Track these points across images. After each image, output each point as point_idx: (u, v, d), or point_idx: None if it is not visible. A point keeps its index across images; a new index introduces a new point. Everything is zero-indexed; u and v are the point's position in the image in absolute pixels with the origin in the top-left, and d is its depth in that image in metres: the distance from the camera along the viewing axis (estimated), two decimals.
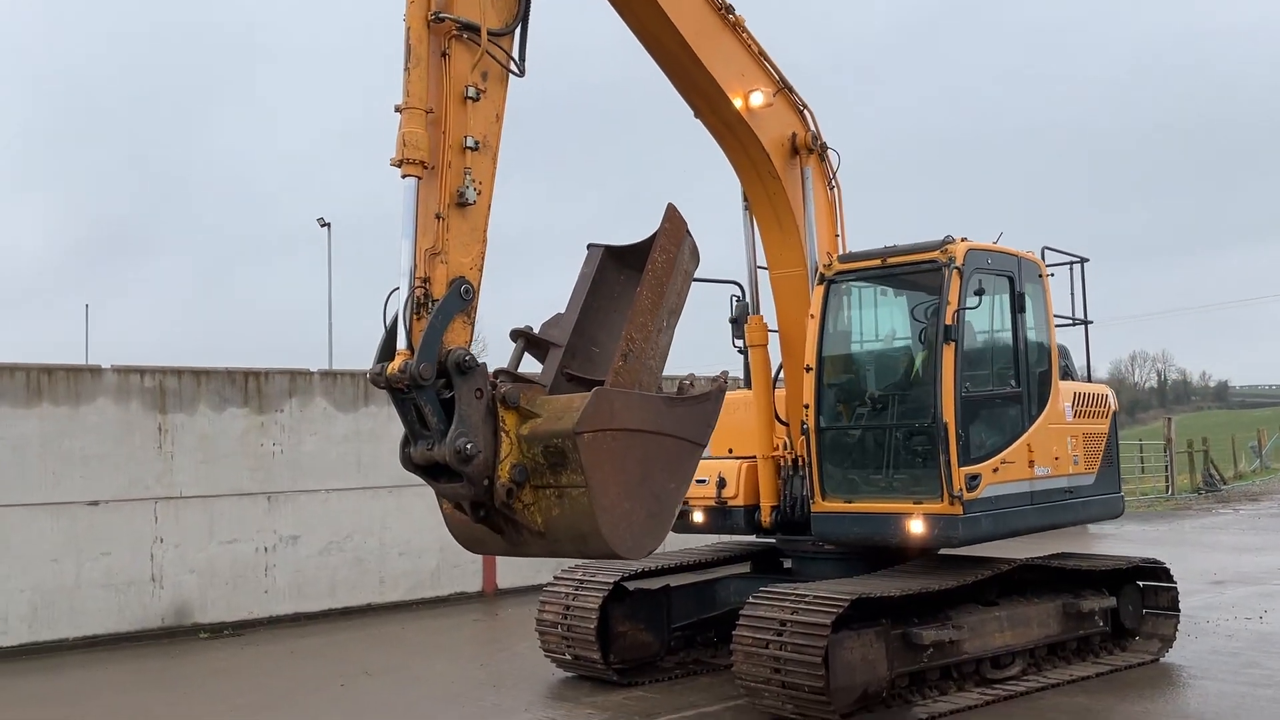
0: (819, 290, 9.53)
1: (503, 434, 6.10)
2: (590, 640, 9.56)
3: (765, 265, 10.26)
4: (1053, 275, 10.04)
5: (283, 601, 14.23)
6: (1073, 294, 10.66)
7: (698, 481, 10.29)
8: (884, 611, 8.33)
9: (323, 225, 45.81)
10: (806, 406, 9.30)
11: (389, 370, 5.95)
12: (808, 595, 8.12)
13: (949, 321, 8.54)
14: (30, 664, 11.84)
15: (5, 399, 12.49)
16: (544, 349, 6.95)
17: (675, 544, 16.16)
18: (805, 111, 9.88)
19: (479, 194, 6.34)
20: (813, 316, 9.48)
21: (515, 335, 6.94)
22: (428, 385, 5.94)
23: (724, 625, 9.51)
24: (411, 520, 15.44)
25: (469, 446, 5.91)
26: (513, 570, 16.23)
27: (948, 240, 8.96)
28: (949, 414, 8.49)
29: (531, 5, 6.83)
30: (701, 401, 6.75)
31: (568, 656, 9.88)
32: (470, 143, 6.30)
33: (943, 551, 9.70)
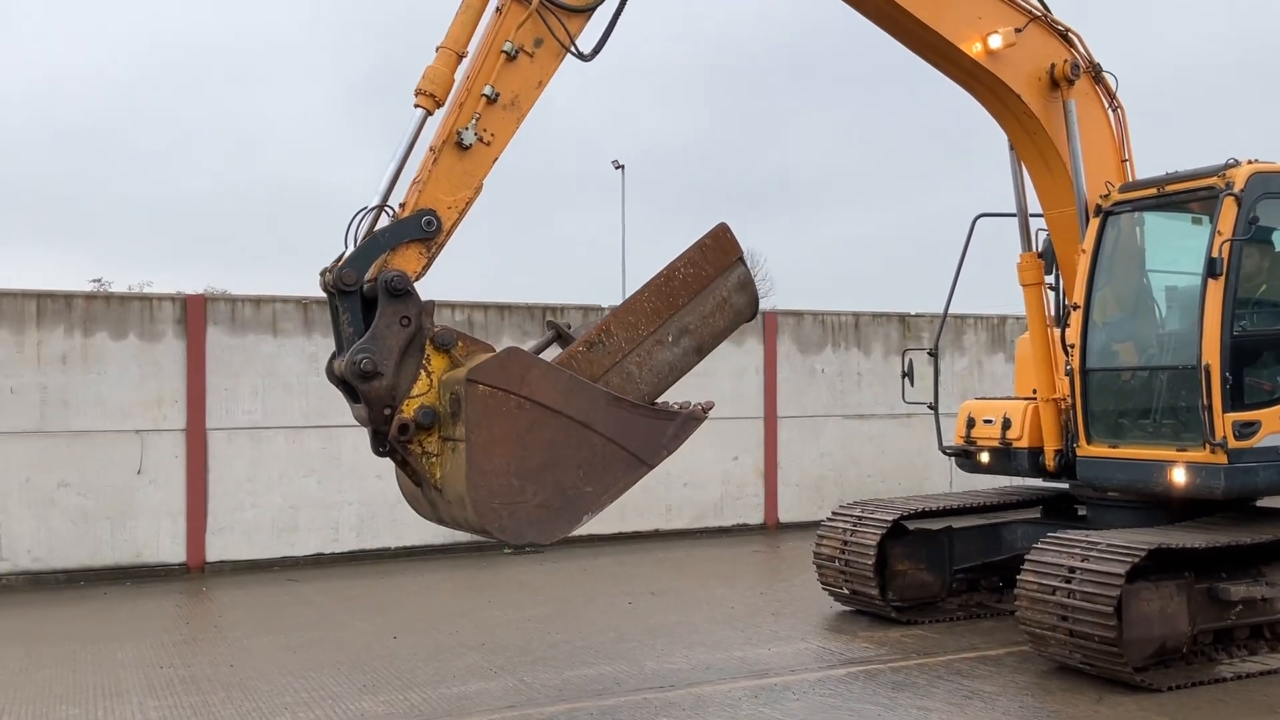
0: (1094, 223, 8.92)
1: (424, 372, 5.93)
2: (868, 576, 9.56)
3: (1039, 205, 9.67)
4: None
5: None
6: None
7: (984, 421, 10.02)
8: (1187, 564, 7.82)
9: (617, 167, 47.38)
10: (1072, 346, 8.81)
11: (323, 272, 6.02)
12: (1100, 543, 7.74)
13: (1216, 253, 7.79)
14: (358, 569, 13.25)
15: (319, 327, 13.82)
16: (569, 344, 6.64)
17: (960, 484, 15.87)
18: (1070, 35, 9.00)
19: (487, 144, 6.27)
20: (1084, 251, 8.90)
21: (550, 325, 6.76)
22: (350, 291, 5.86)
23: (1009, 570, 9.24)
24: (697, 452, 15.80)
25: (365, 362, 5.74)
26: (794, 505, 16.42)
27: (1230, 163, 8.13)
28: (1212, 355, 7.79)
29: (625, 7, 6.67)
30: (658, 418, 6.20)
31: (845, 591, 9.93)
32: (489, 91, 6.23)
33: (1261, 503, 8.96)
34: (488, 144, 6.24)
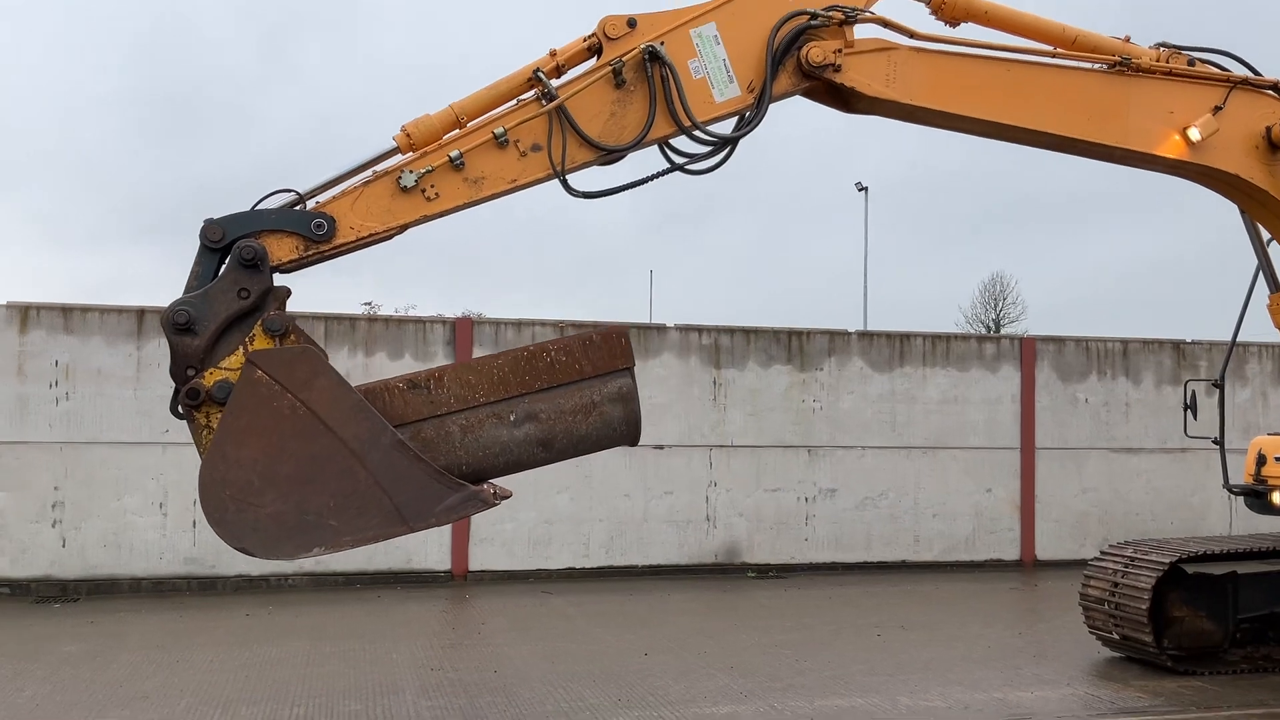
0: None
1: (243, 349, 5.54)
2: (1142, 622, 8.97)
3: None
4: None
5: (821, 550, 14.95)
6: None
7: (1275, 459, 9.24)
8: None
9: (860, 189, 46.79)
10: None
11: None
12: None
13: None
14: (607, 584, 13.63)
15: None
16: None
17: (1244, 527, 14.67)
18: None
19: (428, 200, 5.97)
20: None
21: None
22: (209, 248, 5.62)
23: None
24: (946, 482, 15.43)
25: (180, 314, 5.48)
26: (1054, 542, 15.65)
27: None
28: None
29: (656, 178, 6.29)
30: (439, 482, 5.45)
31: (1115, 636, 9.36)
32: (455, 156, 5.96)
33: None
34: (429, 200, 5.98)
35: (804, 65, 6.36)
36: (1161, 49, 7.40)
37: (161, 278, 79.54)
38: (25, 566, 12.75)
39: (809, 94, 6.63)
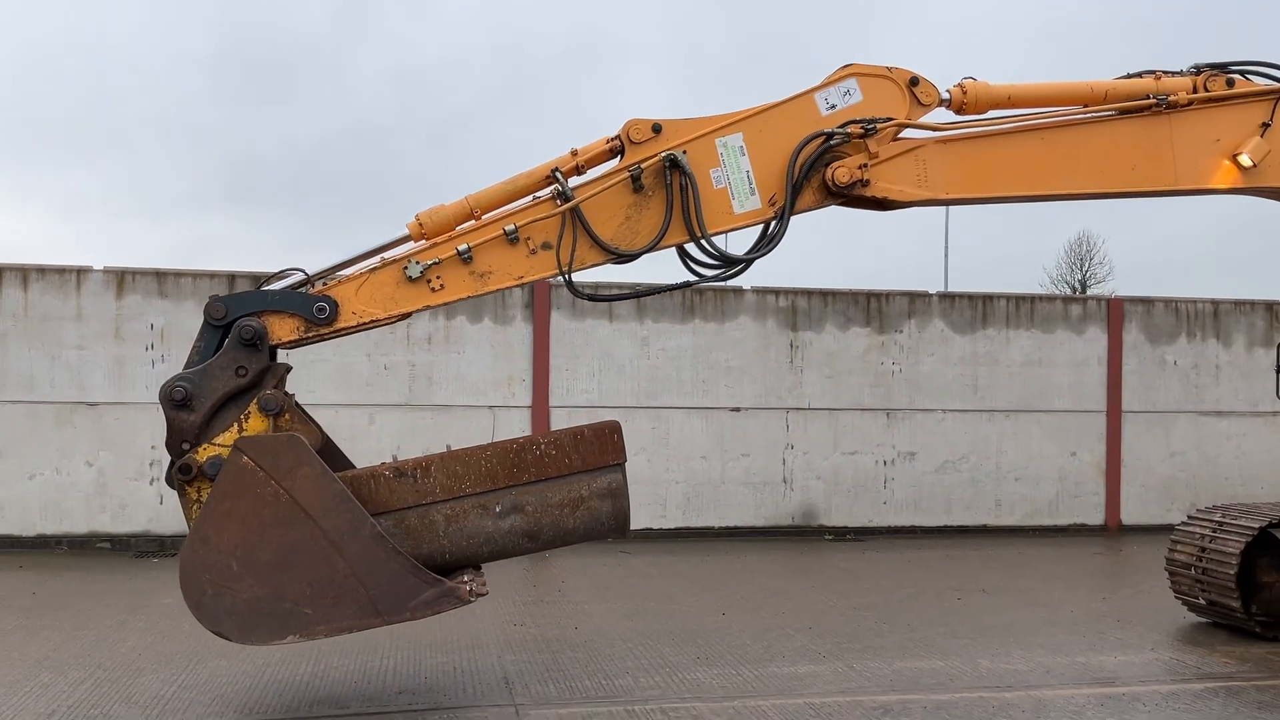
0: None
1: (238, 426, 5.74)
2: (1229, 587, 8.81)
3: None
4: None
5: (900, 513, 14.89)
6: None
7: None
8: None
9: None
10: None
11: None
12: None
13: None
14: (683, 545, 13.74)
15: (666, 315, 14.41)
16: None
17: None
18: None
19: (433, 291, 6.06)
20: None
21: None
22: (213, 325, 5.85)
23: None
24: (1029, 446, 15.23)
25: (178, 390, 5.70)
26: (1140, 507, 15.38)
27: None
28: None
29: (670, 290, 6.49)
30: (416, 576, 5.52)
31: (1201, 601, 9.21)
32: (463, 250, 6.03)
33: None
34: (434, 290, 6.11)
35: (831, 186, 6.28)
36: (1197, 73, 7.05)
37: (246, 241, 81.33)
38: (125, 523, 13.28)
39: (843, 203, 6.54)
